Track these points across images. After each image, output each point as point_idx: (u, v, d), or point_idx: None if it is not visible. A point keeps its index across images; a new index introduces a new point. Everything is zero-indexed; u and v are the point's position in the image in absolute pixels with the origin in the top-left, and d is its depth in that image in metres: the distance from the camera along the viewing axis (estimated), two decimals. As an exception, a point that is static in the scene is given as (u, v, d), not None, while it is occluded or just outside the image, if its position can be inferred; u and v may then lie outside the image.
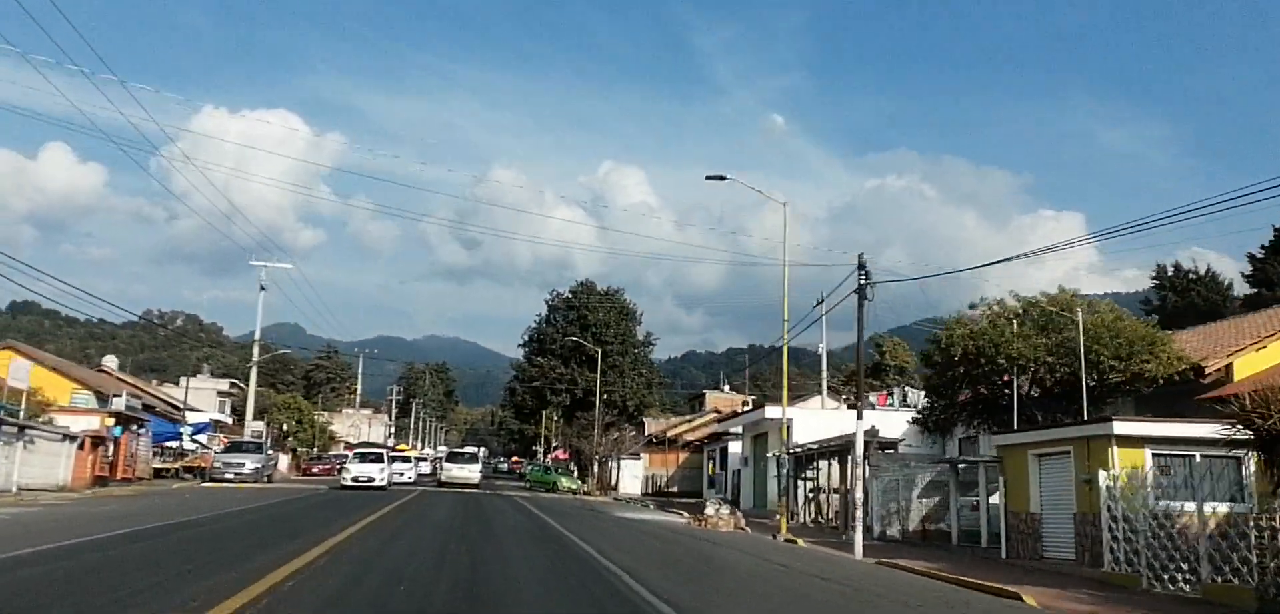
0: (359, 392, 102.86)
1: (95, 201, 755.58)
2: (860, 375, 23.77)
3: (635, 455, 63.08)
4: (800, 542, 24.12)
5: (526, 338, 79.91)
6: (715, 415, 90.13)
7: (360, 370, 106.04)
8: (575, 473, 78.32)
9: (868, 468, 30.31)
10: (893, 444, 30.34)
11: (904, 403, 48.95)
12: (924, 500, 27.43)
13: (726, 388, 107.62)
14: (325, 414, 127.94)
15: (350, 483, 40.45)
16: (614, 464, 76.97)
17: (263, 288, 52.23)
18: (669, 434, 78.46)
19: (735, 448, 47.79)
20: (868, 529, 30.09)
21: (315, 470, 67.61)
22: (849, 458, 32.52)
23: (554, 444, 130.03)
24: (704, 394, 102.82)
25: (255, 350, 52.37)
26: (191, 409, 70.21)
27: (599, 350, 70.66)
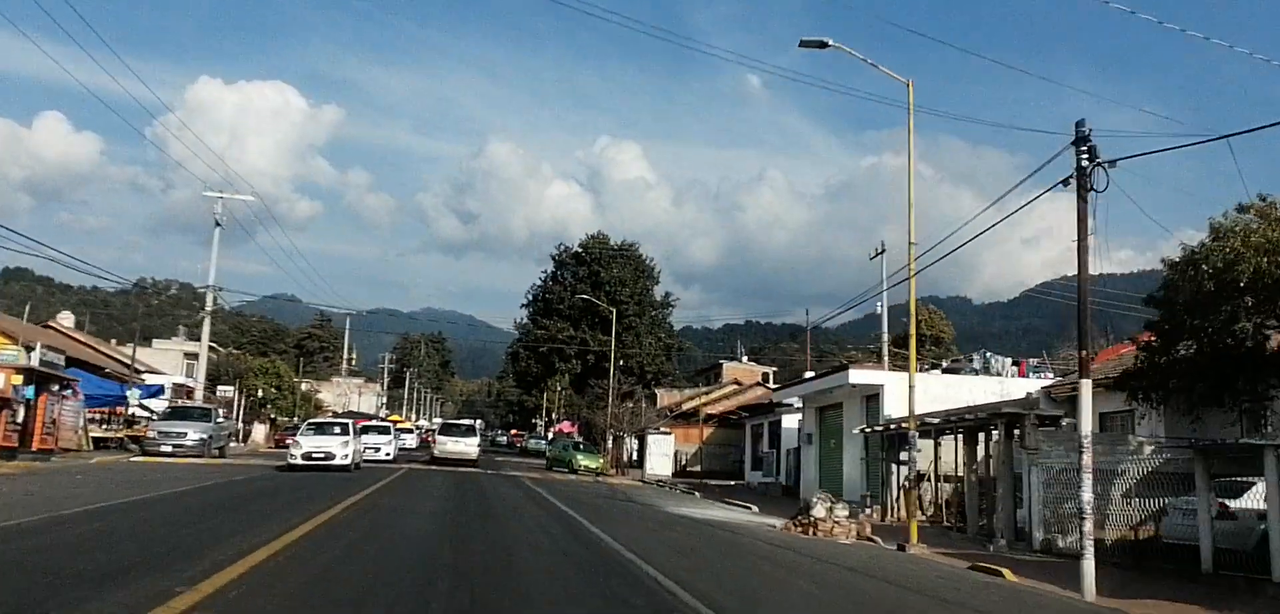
0: (346, 357, 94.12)
1: (91, 171, 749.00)
2: (1084, 306, 15.01)
3: (664, 431, 54.36)
4: (1007, 573, 15.44)
5: (531, 297, 71.09)
6: (737, 386, 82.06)
7: (347, 329, 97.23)
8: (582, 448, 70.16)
9: (1022, 452, 21.79)
10: (1055, 419, 21.73)
11: (987, 371, 40.34)
12: (1131, 501, 18.86)
13: (744, 358, 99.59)
14: (313, 382, 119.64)
15: (301, 461, 31.27)
16: (633, 440, 68.67)
17: (218, 223, 43.43)
18: (686, 406, 69.79)
19: (790, 422, 39.24)
20: (1022, 535, 21.59)
21: (288, 442, 59.24)
22: (990, 436, 24.00)
23: (555, 417, 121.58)
24: (721, 365, 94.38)
25: (208, 300, 43.57)
26: (152, 371, 61.77)
27: (613, 311, 62.05)
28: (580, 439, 70.01)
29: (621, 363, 62.68)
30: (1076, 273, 15.35)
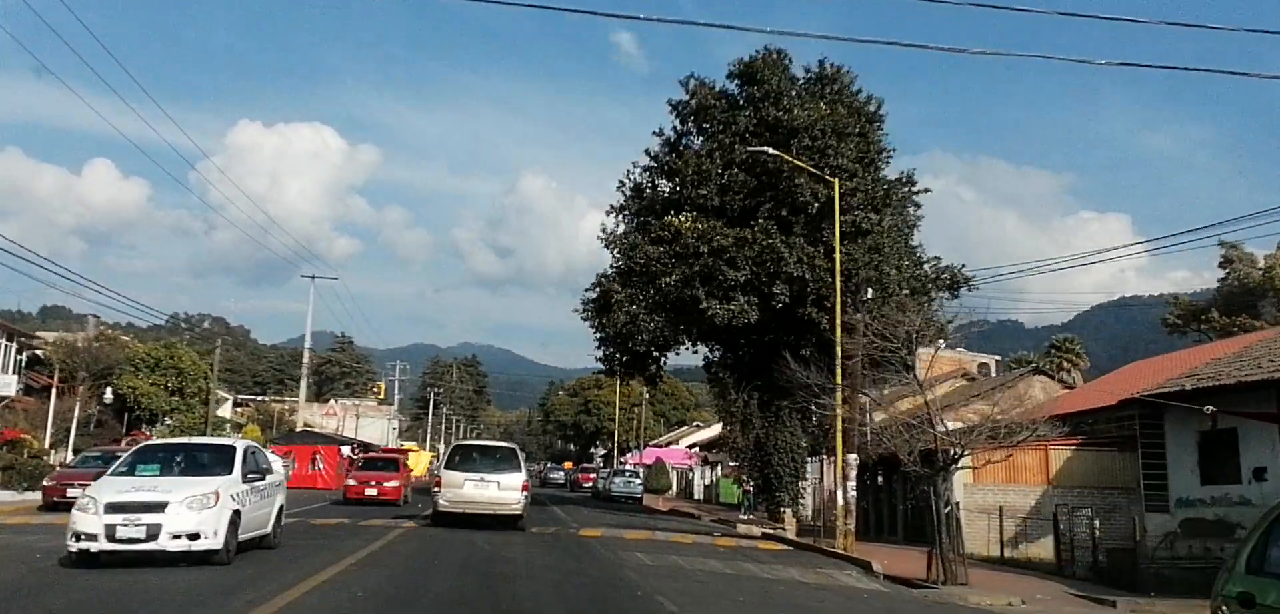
0: (306, 348, 59.12)
1: (138, 215, 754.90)
2: None
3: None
4: None
5: (631, 187, 35.30)
6: (968, 381, 49.98)
7: (310, 300, 62.45)
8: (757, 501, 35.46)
9: None
10: None
11: None
12: None
13: (941, 344, 64.37)
14: (291, 401, 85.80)
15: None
16: (815, 480, 34.76)
17: None
18: (891, 409, 33.62)
19: None
20: None
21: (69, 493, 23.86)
22: None
23: (637, 440, 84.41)
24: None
25: None
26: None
27: (835, 183, 26.60)
28: (747, 480, 35.03)
29: (859, 300, 27.36)
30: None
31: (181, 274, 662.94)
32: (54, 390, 35.30)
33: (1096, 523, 23.13)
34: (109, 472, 14.72)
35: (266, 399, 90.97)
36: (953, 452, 19.83)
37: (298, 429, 56.77)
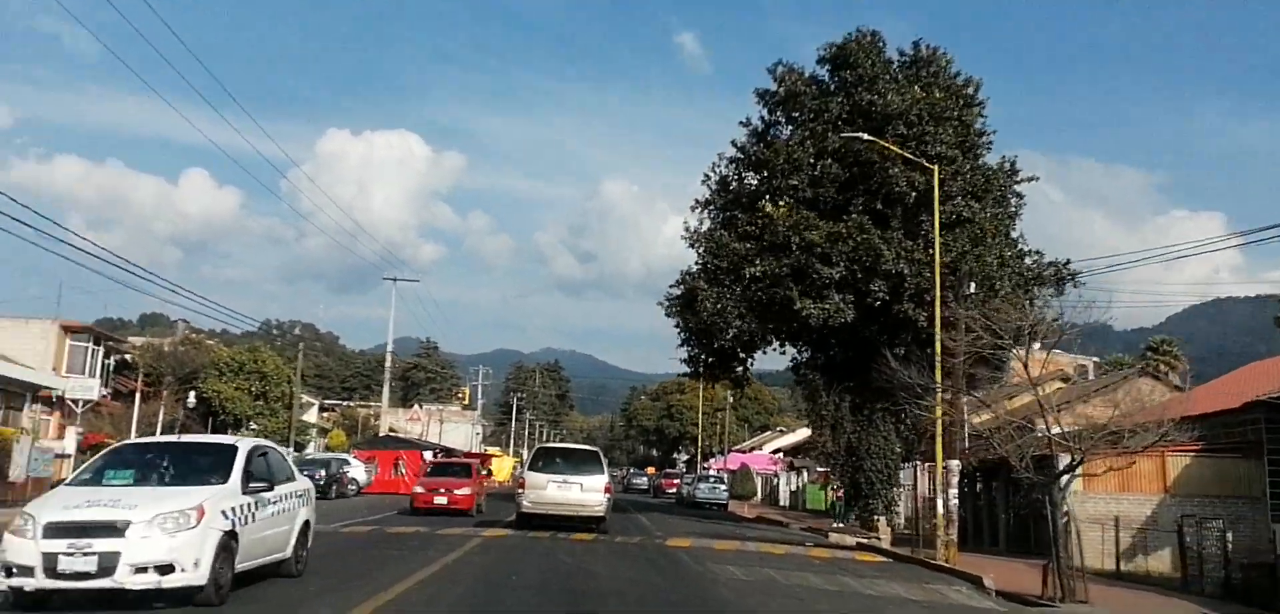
0: (389, 362, 59.08)
1: (232, 224, 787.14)
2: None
3: None
4: None
5: (717, 180, 34.06)
6: (1065, 384, 45.99)
7: (391, 308, 61.89)
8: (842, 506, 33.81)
9: None
10: None
11: None
12: None
13: (1037, 346, 61.36)
14: (363, 403, 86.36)
15: None
16: (904, 485, 32.71)
17: None
18: (989, 417, 31.17)
19: None
20: None
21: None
22: None
23: (720, 445, 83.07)
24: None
25: None
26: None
27: (934, 170, 24.91)
28: (837, 486, 33.39)
29: (960, 294, 25.67)
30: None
31: (274, 281, 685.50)
32: (138, 394, 35.55)
33: (1229, 535, 21.09)
34: (68, 480, 11.72)
35: (352, 404, 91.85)
36: (1072, 457, 18.09)
37: (381, 434, 56.76)
